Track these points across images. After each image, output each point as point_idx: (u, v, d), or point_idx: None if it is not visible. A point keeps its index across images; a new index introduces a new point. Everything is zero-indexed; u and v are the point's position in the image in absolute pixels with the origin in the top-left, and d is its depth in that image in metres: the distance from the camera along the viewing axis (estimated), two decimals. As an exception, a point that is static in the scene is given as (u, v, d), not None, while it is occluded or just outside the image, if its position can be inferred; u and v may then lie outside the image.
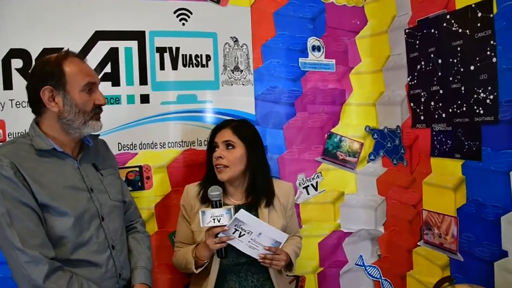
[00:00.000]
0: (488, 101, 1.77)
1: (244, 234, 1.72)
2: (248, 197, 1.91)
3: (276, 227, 1.83)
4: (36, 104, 1.52)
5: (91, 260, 1.52)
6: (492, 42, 1.74)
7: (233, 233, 1.71)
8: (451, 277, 1.93)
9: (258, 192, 1.90)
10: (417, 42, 2.16)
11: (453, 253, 1.99)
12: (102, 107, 1.60)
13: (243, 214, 1.70)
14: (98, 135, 1.74)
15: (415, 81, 2.20)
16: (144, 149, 2.18)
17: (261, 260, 1.77)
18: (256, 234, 1.73)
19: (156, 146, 2.21)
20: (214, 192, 1.72)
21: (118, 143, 2.13)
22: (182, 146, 2.25)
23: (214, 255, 1.77)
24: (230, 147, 1.84)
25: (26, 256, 1.37)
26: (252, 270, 1.85)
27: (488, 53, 1.75)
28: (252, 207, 1.88)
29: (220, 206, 1.71)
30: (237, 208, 1.84)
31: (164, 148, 2.22)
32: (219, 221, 1.67)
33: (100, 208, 1.58)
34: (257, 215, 1.86)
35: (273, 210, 1.91)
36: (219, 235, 1.69)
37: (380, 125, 2.51)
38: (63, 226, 1.46)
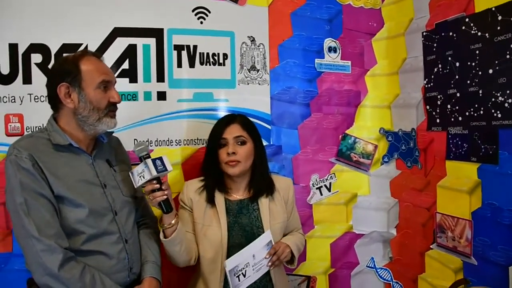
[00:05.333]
0: (506, 104, 1.77)
1: (246, 271, 1.72)
2: (249, 192, 1.92)
3: (277, 220, 1.88)
4: (53, 100, 1.57)
5: (103, 251, 1.55)
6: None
7: (238, 278, 1.71)
8: (466, 280, 1.92)
9: (259, 186, 1.91)
10: (435, 45, 2.16)
11: (466, 257, 1.98)
12: (118, 104, 1.63)
13: (232, 261, 1.70)
14: (113, 132, 1.76)
15: (432, 84, 2.20)
16: (160, 146, 2.19)
17: (271, 267, 1.79)
18: (252, 259, 1.73)
19: (171, 143, 2.22)
20: (138, 147, 1.62)
21: (134, 139, 2.13)
22: (197, 144, 2.26)
23: (176, 219, 1.70)
24: (241, 143, 1.85)
25: (42, 245, 1.41)
26: None
27: (508, 56, 1.75)
28: (254, 200, 1.90)
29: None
30: (238, 204, 1.88)
31: (180, 145, 2.24)
32: (144, 177, 1.57)
33: (113, 203, 1.61)
34: (258, 207, 1.89)
35: (272, 201, 1.92)
36: (154, 192, 1.60)
37: (394, 128, 2.51)
38: (77, 218, 1.50)
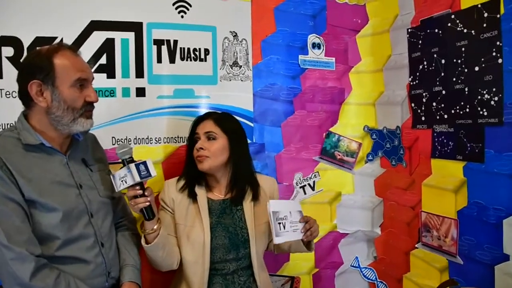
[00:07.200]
0: (492, 102, 1.76)
1: (285, 223, 1.65)
2: (232, 191, 1.87)
3: (262, 220, 1.83)
4: (24, 97, 1.47)
5: (79, 257, 1.48)
6: (498, 43, 1.73)
7: (279, 226, 1.63)
8: (454, 281, 1.90)
9: (241, 185, 1.86)
10: (420, 42, 2.14)
11: (452, 256, 1.97)
12: (95, 103, 1.54)
13: (274, 204, 1.64)
14: (88, 129, 1.66)
15: (417, 81, 2.18)
16: (139, 144, 2.12)
17: (304, 237, 1.71)
18: (289, 215, 1.68)
19: (151, 141, 2.15)
20: (122, 149, 1.55)
21: (112, 137, 2.06)
22: (178, 142, 2.20)
23: (158, 224, 1.63)
24: (211, 139, 1.81)
25: (12, 253, 1.32)
26: (239, 272, 1.82)
27: (494, 54, 1.74)
28: (237, 202, 1.85)
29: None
30: (221, 204, 1.84)
31: (160, 143, 2.17)
32: (126, 182, 1.50)
33: (89, 205, 1.53)
34: (242, 210, 1.84)
35: (258, 204, 1.87)
36: (136, 198, 1.53)
37: (379, 125, 2.49)
38: (50, 223, 1.42)
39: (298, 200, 2.43)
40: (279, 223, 1.64)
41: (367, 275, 2.55)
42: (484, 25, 1.77)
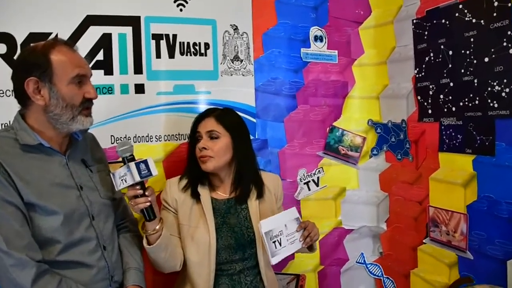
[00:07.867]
0: (503, 94, 1.72)
1: (281, 239, 1.61)
2: (236, 190, 1.82)
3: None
4: (21, 95, 1.41)
5: (81, 261, 1.43)
6: (509, 32, 1.68)
7: (274, 245, 1.59)
8: (470, 278, 1.87)
9: (246, 184, 1.81)
10: (426, 33, 2.09)
11: (462, 251, 1.94)
12: (94, 100, 1.49)
13: (265, 224, 1.59)
14: (88, 128, 1.61)
15: (423, 74, 2.13)
16: (139, 142, 2.07)
17: (304, 244, 1.67)
18: (285, 228, 1.64)
19: (151, 139, 2.10)
20: (122, 147, 1.50)
21: (111, 135, 2.01)
22: (179, 139, 2.15)
23: (161, 225, 1.58)
24: (214, 138, 1.75)
25: (11, 259, 1.27)
26: (245, 272, 1.78)
27: (505, 44, 1.69)
28: (242, 201, 1.81)
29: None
30: (226, 203, 1.79)
31: (160, 141, 2.12)
32: (126, 181, 1.46)
33: (90, 207, 1.48)
34: (247, 208, 1.80)
35: (263, 202, 1.84)
36: (136, 198, 1.49)
37: (383, 119, 2.45)
38: (51, 226, 1.37)
39: (302, 196, 2.39)
40: (274, 242, 1.59)
41: (373, 271, 2.52)
42: (494, 14, 1.72)
